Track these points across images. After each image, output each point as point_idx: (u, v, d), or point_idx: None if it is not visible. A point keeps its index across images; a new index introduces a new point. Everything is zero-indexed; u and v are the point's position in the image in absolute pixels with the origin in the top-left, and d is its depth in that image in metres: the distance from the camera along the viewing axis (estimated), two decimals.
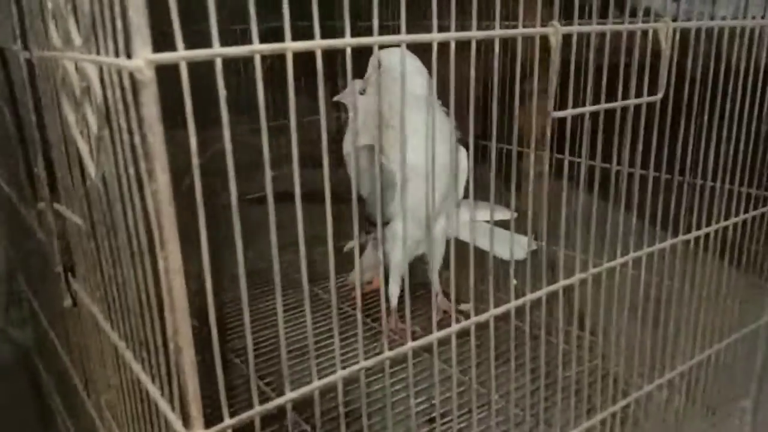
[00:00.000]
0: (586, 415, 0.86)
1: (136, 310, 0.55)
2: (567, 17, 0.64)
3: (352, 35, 0.49)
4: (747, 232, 0.98)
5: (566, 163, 0.70)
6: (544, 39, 0.61)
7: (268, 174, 0.48)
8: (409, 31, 0.51)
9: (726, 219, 0.93)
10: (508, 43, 0.60)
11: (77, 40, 0.50)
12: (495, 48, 0.58)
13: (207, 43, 0.42)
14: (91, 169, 0.54)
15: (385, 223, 1.25)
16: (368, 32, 0.51)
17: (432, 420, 1.11)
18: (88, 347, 0.80)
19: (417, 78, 1.16)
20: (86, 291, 0.74)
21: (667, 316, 0.92)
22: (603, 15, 0.79)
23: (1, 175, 1.22)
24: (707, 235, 0.91)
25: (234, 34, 0.53)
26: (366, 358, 0.58)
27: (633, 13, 0.74)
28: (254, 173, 0.61)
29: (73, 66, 0.54)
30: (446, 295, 1.39)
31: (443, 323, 1.21)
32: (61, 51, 0.55)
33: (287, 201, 0.52)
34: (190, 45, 0.41)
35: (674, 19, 0.74)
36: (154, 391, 0.55)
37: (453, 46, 0.54)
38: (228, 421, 0.50)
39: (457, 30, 0.55)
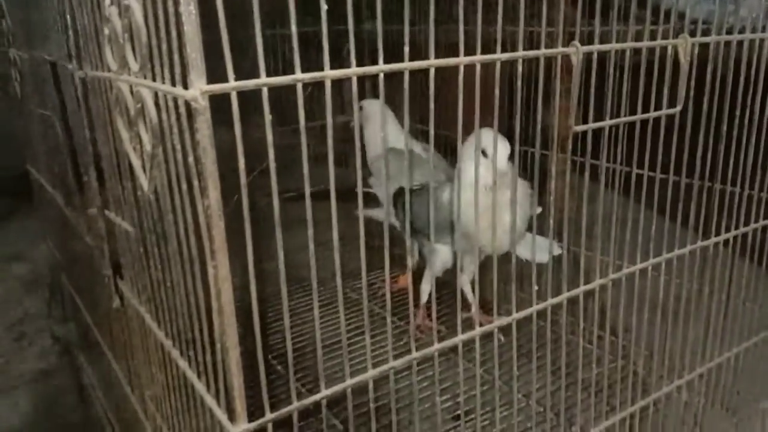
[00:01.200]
0: (605, 414, 0.89)
1: (184, 312, 0.60)
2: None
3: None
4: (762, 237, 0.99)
5: (584, 164, 0.73)
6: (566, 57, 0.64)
7: (308, 189, 0.52)
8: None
9: (746, 225, 0.95)
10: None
11: (134, 66, 0.54)
12: (519, 68, 0.61)
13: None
14: (144, 182, 0.59)
15: (420, 232, 1.27)
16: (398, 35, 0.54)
17: (457, 417, 1.15)
18: (134, 345, 0.86)
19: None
20: (133, 292, 0.80)
21: (687, 318, 0.95)
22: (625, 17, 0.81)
23: (48, 180, 1.29)
24: (727, 241, 0.93)
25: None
26: (394, 357, 0.62)
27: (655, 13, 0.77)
28: (287, 171, 0.66)
29: (128, 88, 0.58)
30: (482, 308, 1.41)
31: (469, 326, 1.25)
32: (117, 74, 0.60)
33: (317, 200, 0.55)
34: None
35: (693, 31, 0.76)
36: (200, 387, 0.60)
37: (478, 68, 0.58)
38: (269, 416, 0.54)
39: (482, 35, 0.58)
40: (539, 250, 0.89)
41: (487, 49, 0.58)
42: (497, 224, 0.66)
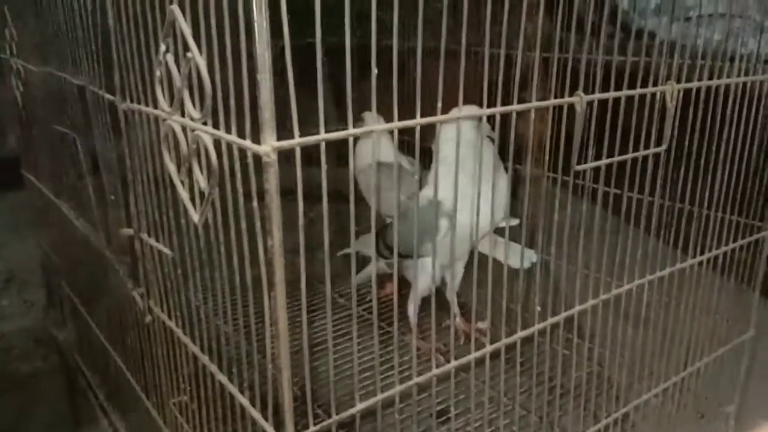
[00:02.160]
0: (590, 420, 0.97)
1: (229, 332, 0.66)
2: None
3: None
4: (736, 258, 1.09)
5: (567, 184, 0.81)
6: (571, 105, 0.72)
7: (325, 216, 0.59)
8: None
9: (717, 247, 1.05)
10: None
11: (194, 113, 0.60)
12: (531, 116, 0.69)
13: None
14: (193, 214, 0.65)
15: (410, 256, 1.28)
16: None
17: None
18: (156, 356, 0.91)
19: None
20: (161, 309, 0.85)
21: (664, 331, 1.04)
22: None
23: (51, 189, 1.32)
24: (702, 261, 1.02)
25: None
26: (419, 374, 0.69)
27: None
28: None
29: (180, 129, 0.64)
30: (463, 315, 1.48)
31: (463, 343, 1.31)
32: (169, 114, 0.65)
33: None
34: None
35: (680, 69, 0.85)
36: (243, 400, 0.66)
37: (498, 118, 0.65)
38: (312, 428, 0.60)
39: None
40: (514, 255, 0.96)
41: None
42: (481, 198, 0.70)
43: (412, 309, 1.34)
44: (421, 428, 0.86)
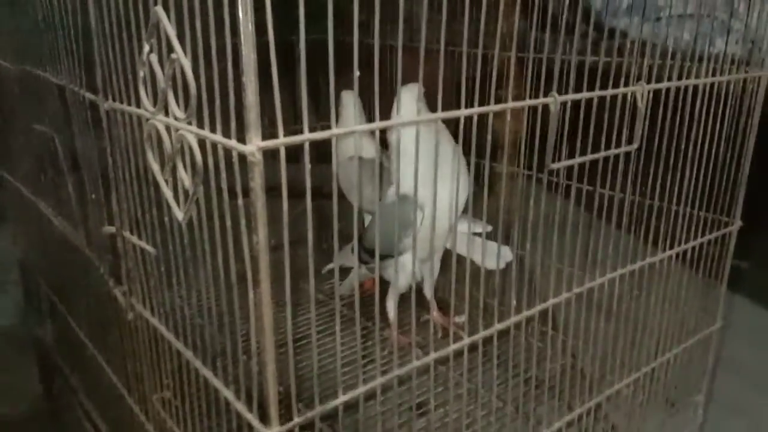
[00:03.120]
0: (564, 409, 1.00)
1: (213, 328, 0.67)
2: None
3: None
4: (705, 250, 1.13)
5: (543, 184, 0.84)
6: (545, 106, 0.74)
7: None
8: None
9: (686, 242, 1.08)
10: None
11: (178, 113, 0.61)
12: (507, 116, 0.71)
13: None
14: (177, 212, 0.66)
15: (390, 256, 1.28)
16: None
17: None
18: (139, 352, 0.91)
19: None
20: (143, 306, 0.85)
21: (635, 323, 1.08)
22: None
23: (28, 187, 1.31)
24: (671, 257, 1.06)
25: None
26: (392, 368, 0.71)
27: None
28: None
29: (164, 128, 0.65)
30: (440, 309, 1.51)
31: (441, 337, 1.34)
32: (153, 114, 0.66)
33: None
34: None
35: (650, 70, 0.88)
36: (228, 394, 0.67)
37: (476, 119, 0.67)
38: (296, 419, 0.62)
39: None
40: (490, 255, 0.98)
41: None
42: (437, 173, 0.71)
43: (391, 305, 1.36)
44: (402, 420, 0.88)
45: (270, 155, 0.54)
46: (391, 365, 0.71)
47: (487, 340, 0.81)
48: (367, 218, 1.59)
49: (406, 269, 1.27)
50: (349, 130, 0.58)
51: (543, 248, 0.86)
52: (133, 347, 0.93)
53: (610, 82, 0.87)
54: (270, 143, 0.52)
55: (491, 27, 0.70)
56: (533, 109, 0.77)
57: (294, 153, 0.56)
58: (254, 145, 0.51)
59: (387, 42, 0.65)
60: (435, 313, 1.44)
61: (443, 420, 1.03)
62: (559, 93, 0.75)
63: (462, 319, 1.16)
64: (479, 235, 1.30)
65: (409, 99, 1.00)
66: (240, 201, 0.55)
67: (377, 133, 0.61)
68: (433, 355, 0.74)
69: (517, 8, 0.82)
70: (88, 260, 1.01)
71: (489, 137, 0.69)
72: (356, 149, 0.66)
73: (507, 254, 0.99)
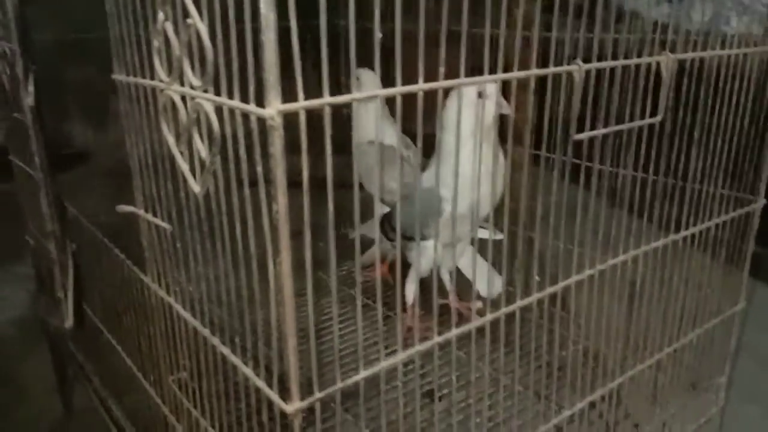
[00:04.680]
0: (587, 390, 0.98)
1: (232, 304, 0.66)
2: None
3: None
4: (728, 229, 1.11)
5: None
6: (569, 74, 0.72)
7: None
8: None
9: (710, 219, 1.06)
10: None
11: (194, 81, 0.59)
12: (531, 84, 0.69)
13: None
14: (194, 185, 0.64)
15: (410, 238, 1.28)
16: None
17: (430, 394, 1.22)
18: (155, 334, 0.90)
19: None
20: (159, 285, 0.84)
21: (657, 304, 1.05)
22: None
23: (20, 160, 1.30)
24: (694, 234, 1.04)
25: None
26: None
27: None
28: None
29: (179, 98, 0.63)
30: (458, 296, 1.49)
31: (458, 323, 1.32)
32: (167, 84, 0.65)
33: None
34: None
35: (673, 44, 0.85)
36: (247, 371, 0.66)
37: (498, 86, 0.65)
38: (317, 395, 0.61)
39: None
40: (489, 283, 0.97)
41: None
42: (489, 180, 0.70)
43: (411, 288, 1.36)
44: (421, 403, 0.87)
45: (290, 149, 0.52)
46: (413, 342, 0.70)
47: (506, 322, 0.79)
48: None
49: (428, 253, 1.27)
50: (371, 93, 0.56)
51: (561, 230, 0.83)
52: (149, 328, 0.92)
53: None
54: (289, 106, 0.51)
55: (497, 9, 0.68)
56: (542, 87, 0.74)
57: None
58: (274, 109, 0.50)
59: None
60: (452, 297, 1.42)
61: (463, 402, 1.01)
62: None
63: (480, 304, 1.14)
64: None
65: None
66: (259, 169, 0.54)
67: (399, 119, 0.59)
68: (455, 331, 0.72)
69: None
70: (102, 241, 1.00)
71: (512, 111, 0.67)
72: (377, 126, 0.65)
73: (498, 285, 0.97)
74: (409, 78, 0.58)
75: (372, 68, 0.56)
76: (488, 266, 0.96)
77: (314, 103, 0.52)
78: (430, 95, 0.60)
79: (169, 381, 0.89)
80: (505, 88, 0.67)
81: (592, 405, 0.98)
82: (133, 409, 1.15)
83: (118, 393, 1.22)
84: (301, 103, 0.52)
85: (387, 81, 0.60)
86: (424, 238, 1.27)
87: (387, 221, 1.32)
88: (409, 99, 0.59)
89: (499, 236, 0.84)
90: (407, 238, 0.69)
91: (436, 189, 1.10)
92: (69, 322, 1.16)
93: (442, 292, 1.40)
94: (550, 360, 0.91)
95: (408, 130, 1.64)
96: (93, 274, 1.14)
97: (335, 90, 0.54)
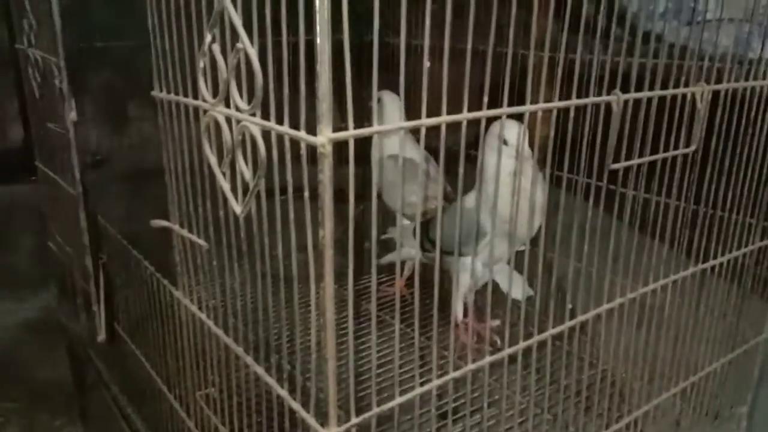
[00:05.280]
0: (608, 422, 0.98)
1: (270, 324, 0.66)
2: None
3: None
4: (755, 260, 1.10)
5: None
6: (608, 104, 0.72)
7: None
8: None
9: (738, 249, 1.05)
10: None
11: (241, 104, 0.60)
12: (571, 113, 0.69)
13: None
14: (235, 206, 0.65)
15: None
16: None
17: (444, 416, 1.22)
18: (183, 348, 0.91)
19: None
20: (190, 300, 0.85)
21: (682, 332, 1.05)
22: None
23: (67, 180, 1.31)
24: (722, 264, 1.03)
25: None
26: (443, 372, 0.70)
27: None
28: None
29: (224, 119, 0.64)
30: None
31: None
32: (212, 105, 0.65)
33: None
34: None
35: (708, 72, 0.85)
36: (283, 392, 0.66)
37: (540, 114, 0.65)
38: (354, 420, 0.61)
39: None
40: (515, 286, 0.97)
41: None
42: (529, 208, 0.72)
43: (458, 306, 1.35)
44: (439, 424, 0.86)
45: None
46: (447, 368, 0.70)
47: (526, 350, 0.79)
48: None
49: (467, 270, 1.27)
50: (418, 123, 0.57)
51: (586, 256, 0.83)
52: (176, 342, 0.92)
53: (649, 86, 0.84)
54: (340, 135, 0.51)
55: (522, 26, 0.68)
56: (565, 113, 0.74)
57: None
58: (325, 137, 0.50)
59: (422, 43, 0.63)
60: (470, 317, 1.42)
61: (480, 425, 1.01)
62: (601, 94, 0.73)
63: (497, 322, 1.14)
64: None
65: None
66: (306, 194, 0.54)
67: (423, 136, 0.59)
68: (488, 358, 0.72)
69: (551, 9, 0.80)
70: (131, 253, 1.01)
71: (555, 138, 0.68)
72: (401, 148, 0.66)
73: (528, 289, 0.98)
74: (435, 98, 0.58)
75: (396, 85, 0.57)
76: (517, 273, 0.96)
77: (364, 131, 0.53)
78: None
79: (196, 396, 0.89)
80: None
81: None
82: (153, 420, 1.15)
83: (139, 403, 1.23)
84: (351, 132, 0.52)
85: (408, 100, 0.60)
86: (463, 255, 1.27)
87: (425, 235, 1.32)
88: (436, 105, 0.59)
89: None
90: (446, 252, 0.70)
91: (477, 212, 1.12)
92: (102, 337, 1.17)
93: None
94: (578, 389, 0.91)
95: (428, 146, 1.64)
96: (118, 284, 1.15)
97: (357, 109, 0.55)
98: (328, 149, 0.51)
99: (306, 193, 0.54)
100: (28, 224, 1.93)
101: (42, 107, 1.41)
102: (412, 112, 0.59)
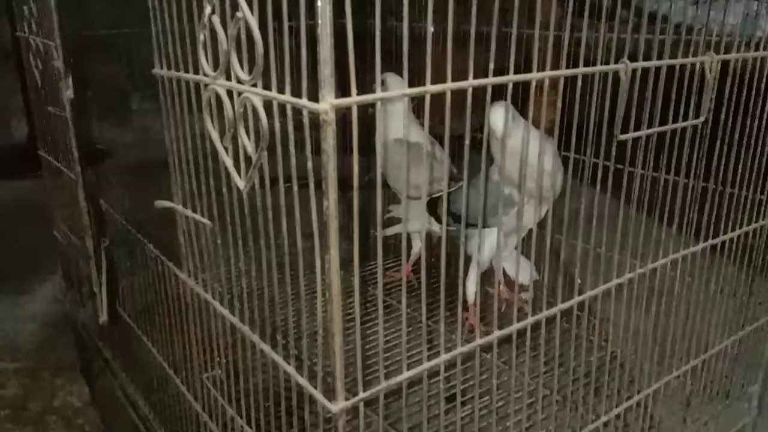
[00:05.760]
0: (625, 400, 0.97)
1: (275, 300, 0.65)
2: None
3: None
4: (766, 237, 1.09)
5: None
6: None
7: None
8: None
9: (747, 224, 1.04)
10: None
11: (242, 75, 0.59)
12: (578, 82, 0.68)
13: None
14: (238, 181, 0.64)
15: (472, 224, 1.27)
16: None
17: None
18: (188, 331, 0.90)
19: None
20: (197, 281, 0.84)
21: (691, 311, 1.04)
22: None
23: (68, 167, 1.31)
24: (731, 240, 1.02)
25: None
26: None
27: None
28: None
29: (225, 92, 0.63)
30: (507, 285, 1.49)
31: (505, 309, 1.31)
32: (213, 78, 0.64)
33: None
34: None
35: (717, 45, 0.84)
36: (290, 369, 0.65)
37: (547, 83, 0.64)
38: (362, 395, 0.60)
39: None
40: (522, 270, 0.97)
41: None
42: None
43: (471, 284, 1.35)
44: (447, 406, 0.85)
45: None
46: (454, 344, 0.69)
47: (542, 328, 0.78)
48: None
49: (490, 241, 1.27)
50: (423, 90, 0.55)
51: (595, 235, 0.82)
52: (183, 325, 0.92)
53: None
54: (343, 101, 0.50)
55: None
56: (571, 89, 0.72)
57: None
58: (327, 103, 0.49)
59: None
60: (502, 287, 1.42)
61: (489, 407, 1.00)
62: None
63: (527, 296, 1.14)
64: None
65: (500, 116, 1.09)
66: (309, 164, 0.53)
67: (426, 122, 0.58)
68: (496, 333, 0.71)
69: None
70: (135, 237, 1.00)
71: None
72: (405, 124, 0.65)
73: (534, 272, 1.00)
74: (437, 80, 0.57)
75: (398, 72, 0.56)
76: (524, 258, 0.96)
77: (367, 98, 0.52)
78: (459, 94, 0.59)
79: (203, 378, 0.89)
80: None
81: (625, 413, 0.96)
82: (161, 406, 1.15)
83: (146, 389, 1.23)
84: (354, 98, 0.51)
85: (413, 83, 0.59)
86: (486, 226, 1.29)
87: (447, 209, 1.33)
88: (439, 99, 0.58)
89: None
90: (470, 225, 0.71)
91: (501, 182, 1.16)
92: (103, 318, 1.16)
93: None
94: (587, 370, 0.90)
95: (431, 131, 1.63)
96: (122, 269, 1.15)
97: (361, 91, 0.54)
98: (331, 116, 0.50)
99: (309, 164, 0.53)
100: (34, 218, 1.93)
101: (44, 94, 1.40)
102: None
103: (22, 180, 2.52)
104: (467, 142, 0.62)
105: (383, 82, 1.52)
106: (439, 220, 1.40)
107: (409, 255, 1.61)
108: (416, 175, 1.43)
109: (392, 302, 1.52)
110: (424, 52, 0.55)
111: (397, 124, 1.50)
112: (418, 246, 1.59)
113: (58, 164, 1.42)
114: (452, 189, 1.41)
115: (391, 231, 1.55)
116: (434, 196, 1.45)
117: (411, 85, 0.55)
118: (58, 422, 1.54)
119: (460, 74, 0.59)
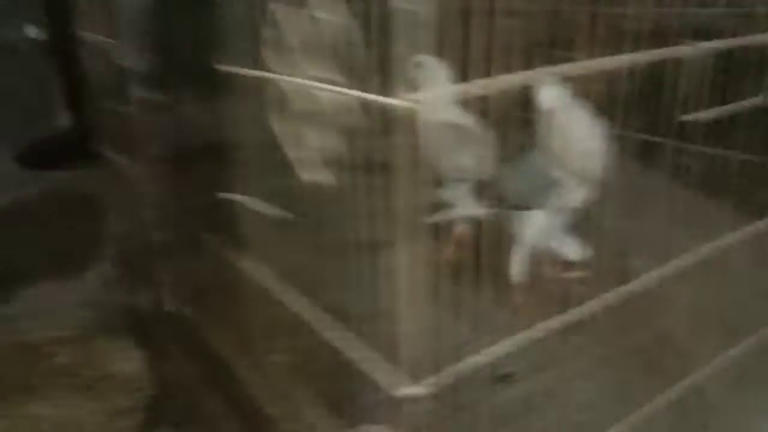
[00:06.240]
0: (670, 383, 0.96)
1: (339, 287, 0.67)
2: None
3: None
4: None
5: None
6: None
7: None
8: None
9: None
10: None
11: (312, 72, 0.60)
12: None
13: None
14: (303, 173, 0.66)
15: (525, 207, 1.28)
16: None
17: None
18: (249, 318, 0.92)
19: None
20: (259, 270, 0.86)
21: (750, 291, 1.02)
22: None
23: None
24: None
25: None
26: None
27: None
28: None
29: (293, 89, 0.65)
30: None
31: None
32: (281, 75, 0.66)
33: None
34: None
35: None
36: (357, 354, 0.67)
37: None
38: (429, 380, 0.61)
39: None
40: (571, 249, 0.96)
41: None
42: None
43: (517, 264, 1.34)
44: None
45: None
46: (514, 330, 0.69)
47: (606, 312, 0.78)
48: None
49: (536, 223, 1.29)
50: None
51: (651, 214, 0.81)
52: (246, 312, 0.94)
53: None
54: (420, 96, 0.51)
55: None
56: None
57: None
58: (406, 100, 0.50)
59: None
60: (558, 268, 1.41)
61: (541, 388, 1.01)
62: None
63: (578, 274, 1.14)
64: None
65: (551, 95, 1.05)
66: (384, 157, 0.54)
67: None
68: (555, 319, 0.72)
69: None
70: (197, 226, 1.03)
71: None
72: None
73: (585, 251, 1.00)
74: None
75: None
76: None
77: (449, 90, 0.53)
78: None
79: (265, 363, 0.92)
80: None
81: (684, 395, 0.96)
82: (224, 391, 1.18)
83: (208, 375, 1.26)
84: (434, 95, 0.52)
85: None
86: (532, 207, 1.27)
87: (494, 191, 1.33)
88: None
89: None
90: (516, 207, 0.71)
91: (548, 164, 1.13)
92: (170, 306, 1.20)
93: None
94: (642, 349, 0.90)
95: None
96: (184, 258, 1.18)
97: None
98: (412, 111, 0.50)
99: (384, 157, 0.54)
100: (77, 208, 1.96)
101: (105, 91, 1.43)
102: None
103: (62, 171, 2.58)
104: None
105: (419, 65, 1.50)
106: (485, 203, 1.39)
107: (454, 237, 1.62)
108: (461, 157, 1.43)
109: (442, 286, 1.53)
110: None
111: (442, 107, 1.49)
112: (463, 228, 1.60)
113: (118, 158, 1.45)
114: (499, 171, 1.40)
115: (439, 217, 1.55)
116: (481, 178, 1.45)
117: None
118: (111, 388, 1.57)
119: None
